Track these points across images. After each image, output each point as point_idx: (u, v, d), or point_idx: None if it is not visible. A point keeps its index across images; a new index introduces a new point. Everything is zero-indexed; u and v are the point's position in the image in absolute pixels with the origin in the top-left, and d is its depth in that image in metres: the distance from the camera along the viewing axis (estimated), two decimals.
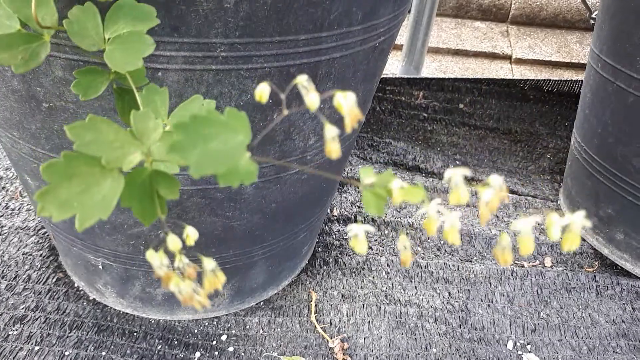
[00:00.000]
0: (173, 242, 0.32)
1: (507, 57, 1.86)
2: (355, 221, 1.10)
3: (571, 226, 0.28)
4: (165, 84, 0.51)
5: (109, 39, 0.39)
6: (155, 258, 0.31)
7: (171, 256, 0.32)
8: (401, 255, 0.32)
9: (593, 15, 1.15)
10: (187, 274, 0.32)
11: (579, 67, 1.87)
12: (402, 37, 1.61)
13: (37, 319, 0.83)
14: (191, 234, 0.33)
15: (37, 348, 0.78)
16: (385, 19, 0.59)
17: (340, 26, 0.53)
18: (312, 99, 0.30)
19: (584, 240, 1.10)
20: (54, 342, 0.80)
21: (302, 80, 0.30)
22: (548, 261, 1.05)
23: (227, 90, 0.53)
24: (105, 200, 0.29)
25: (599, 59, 0.99)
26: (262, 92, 0.32)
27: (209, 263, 0.33)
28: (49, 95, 0.54)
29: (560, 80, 1.48)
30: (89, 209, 0.29)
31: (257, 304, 0.89)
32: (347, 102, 0.30)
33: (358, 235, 0.30)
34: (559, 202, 1.21)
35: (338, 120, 0.68)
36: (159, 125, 0.33)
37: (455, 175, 0.28)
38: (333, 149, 0.30)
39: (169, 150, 0.28)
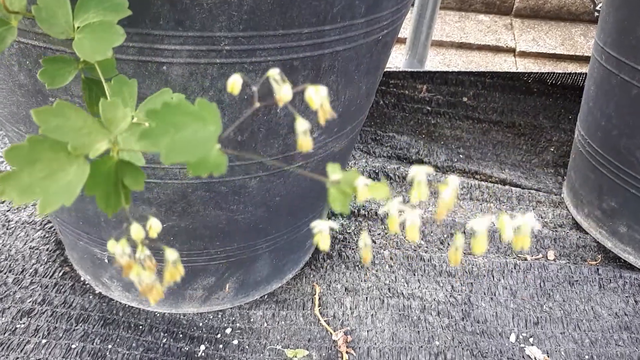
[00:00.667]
0: (136, 231, 0.32)
1: (510, 50, 1.86)
2: (359, 215, 1.11)
3: (522, 228, 0.29)
4: (170, 78, 0.51)
5: (78, 28, 0.38)
6: (117, 247, 0.31)
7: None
8: (362, 252, 0.32)
9: (597, 8, 1.15)
10: (147, 265, 0.32)
11: (583, 59, 1.86)
12: (406, 30, 1.61)
13: (44, 312, 0.83)
14: (154, 226, 0.33)
15: (44, 341, 0.79)
16: (389, 12, 0.59)
17: (344, 19, 0.53)
18: (284, 92, 0.30)
19: (587, 233, 1.10)
20: (61, 335, 0.80)
21: (274, 74, 0.31)
22: (551, 254, 1.05)
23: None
24: (69, 186, 0.29)
25: (603, 51, 0.99)
26: (234, 83, 0.32)
27: (171, 254, 0.33)
28: (56, 90, 0.54)
29: (564, 73, 1.48)
30: (52, 195, 0.29)
31: (261, 297, 0.90)
32: (317, 96, 0.30)
33: (323, 232, 0.30)
34: (562, 196, 1.21)
35: (341, 115, 0.68)
36: (127, 115, 0.33)
37: (419, 173, 0.29)
38: (304, 143, 0.31)
39: (140, 137, 0.28)
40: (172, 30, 0.47)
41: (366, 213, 1.10)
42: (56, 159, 0.29)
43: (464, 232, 1.07)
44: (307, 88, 0.30)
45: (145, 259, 0.32)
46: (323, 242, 0.30)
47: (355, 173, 0.30)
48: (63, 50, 0.50)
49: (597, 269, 1.01)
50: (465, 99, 1.45)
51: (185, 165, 0.55)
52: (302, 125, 0.30)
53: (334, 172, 0.30)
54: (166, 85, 0.52)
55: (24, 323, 0.81)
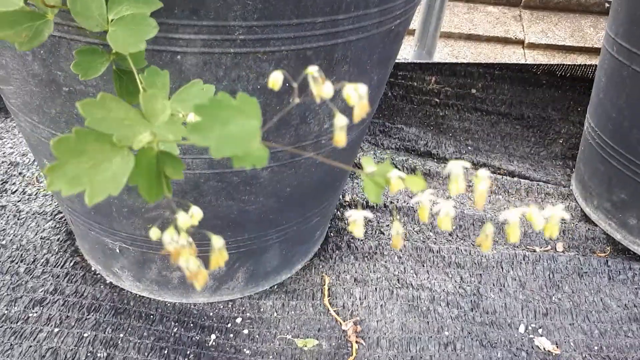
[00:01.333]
0: (183, 220, 0.33)
1: (519, 42, 1.85)
2: (368, 207, 1.11)
3: (551, 218, 0.31)
4: (184, 67, 0.51)
5: (112, 20, 0.39)
6: (166, 234, 0.32)
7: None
8: (392, 239, 0.33)
9: None
10: (190, 252, 0.33)
11: (593, 51, 1.85)
12: (415, 21, 1.60)
13: (55, 301, 0.84)
14: (195, 214, 0.34)
15: (56, 330, 0.80)
16: (401, 1, 0.59)
17: (357, 9, 0.53)
18: (326, 89, 0.31)
19: (596, 225, 1.10)
20: (73, 324, 0.81)
21: (313, 71, 0.31)
22: (560, 246, 1.05)
23: (245, 73, 0.53)
24: (115, 176, 0.30)
25: (615, 42, 0.98)
26: (275, 80, 0.33)
27: (217, 241, 0.34)
28: (69, 79, 0.54)
29: (574, 65, 1.47)
30: (98, 185, 0.29)
31: (271, 287, 0.90)
32: (356, 93, 0.31)
33: (357, 221, 0.32)
34: (571, 188, 1.21)
35: (349, 108, 0.68)
36: (166, 107, 0.33)
37: (455, 167, 0.30)
38: (340, 139, 0.31)
39: (190, 130, 0.29)
40: (186, 19, 0.47)
41: (374, 204, 1.10)
42: (101, 150, 0.30)
43: (473, 224, 1.07)
44: (344, 86, 0.31)
45: (188, 246, 0.33)
46: (357, 230, 0.32)
47: (388, 165, 0.31)
48: (77, 40, 0.50)
49: (607, 261, 1.01)
50: (473, 91, 1.44)
51: (197, 154, 0.56)
52: (340, 120, 0.31)
53: (368, 164, 0.31)
54: (180, 74, 0.52)
55: (36, 312, 0.82)
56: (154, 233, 0.34)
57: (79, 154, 0.29)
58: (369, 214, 0.32)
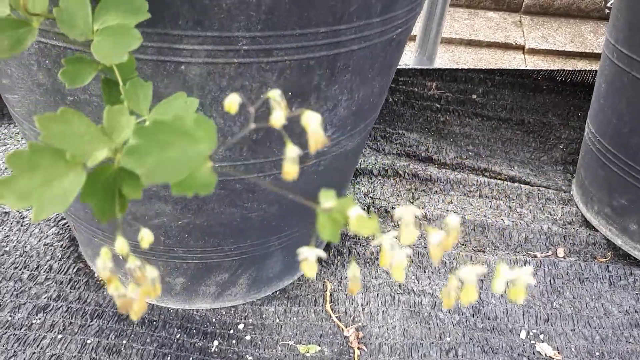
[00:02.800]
0: (121, 246, 0.31)
1: (520, 48, 1.85)
2: (368, 212, 1.11)
3: (516, 281, 0.29)
4: (187, 77, 0.52)
5: (97, 30, 0.39)
6: (99, 260, 0.31)
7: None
8: (350, 284, 0.30)
9: (609, 5, 1.15)
10: (137, 276, 0.32)
11: (593, 57, 1.86)
12: (416, 27, 1.61)
13: (59, 308, 0.85)
14: (145, 237, 0.33)
15: (60, 336, 0.80)
16: (403, 10, 0.60)
17: (360, 18, 0.54)
18: (277, 116, 0.30)
19: (596, 230, 1.10)
20: (76, 330, 0.81)
21: (275, 96, 0.30)
22: (561, 251, 1.05)
23: (248, 83, 0.53)
24: (65, 194, 0.29)
25: (615, 48, 0.99)
26: (231, 103, 0.32)
27: (150, 271, 0.32)
28: (74, 89, 0.55)
29: (574, 71, 1.47)
30: (47, 202, 0.29)
31: (273, 293, 0.91)
32: (312, 123, 0.29)
33: (308, 259, 0.29)
34: (571, 193, 1.22)
35: (348, 116, 0.69)
36: (131, 122, 0.32)
37: (406, 214, 0.28)
38: (290, 171, 0.29)
39: (126, 153, 0.28)
40: (190, 30, 0.48)
41: (376, 210, 1.11)
42: (55, 166, 0.29)
43: (474, 229, 1.08)
44: (303, 113, 0.30)
45: (136, 270, 0.32)
46: (309, 270, 0.29)
47: (349, 201, 0.29)
48: (83, 50, 0.51)
49: (607, 266, 1.01)
50: (474, 97, 1.45)
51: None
52: (292, 151, 0.29)
53: (327, 199, 0.28)
54: (184, 84, 0.52)
55: (39, 318, 0.83)
56: (103, 253, 0.32)
57: (32, 168, 0.29)
58: (322, 253, 0.29)
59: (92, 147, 0.31)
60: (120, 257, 0.78)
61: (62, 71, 0.40)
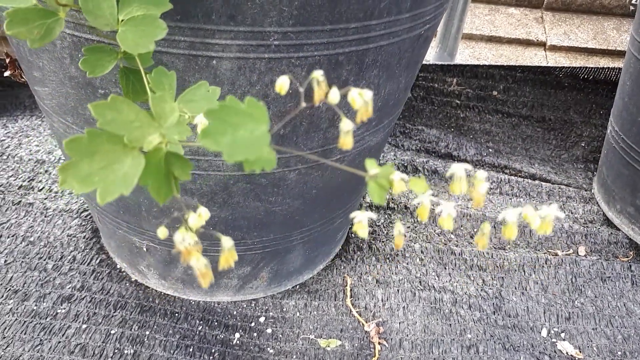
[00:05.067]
0: (193, 220, 0.33)
1: (541, 44, 1.84)
2: (388, 208, 1.11)
3: (546, 217, 0.32)
4: (219, 72, 0.52)
5: (122, 20, 0.39)
6: (178, 233, 0.32)
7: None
8: (395, 239, 0.34)
9: (634, 1, 1.13)
10: (197, 250, 0.33)
11: (616, 54, 1.83)
12: None
13: (83, 298, 0.86)
14: (203, 214, 0.35)
15: (84, 326, 0.81)
16: (432, 6, 0.59)
17: (390, 14, 0.54)
18: (332, 95, 0.32)
19: (618, 229, 1.09)
20: (100, 320, 0.83)
21: (317, 76, 0.32)
22: (582, 250, 1.04)
23: (277, 78, 0.54)
24: (126, 177, 0.30)
25: None
26: (282, 85, 0.34)
27: (226, 241, 0.34)
28: (106, 82, 0.56)
29: (596, 68, 1.46)
30: (110, 184, 0.30)
31: (293, 287, 0.91)
32: (360, 99, 0.32)
33: (362, 221, 0.32)
34: (592, 191, 1.20)
35: (373, 112, 0.69)
36: (175, 109, 0.34)
37: (459, 169, 0.31)
38: (346, 142, 0.32)
39: (202, 135, 0.29)
40: (223, 25, 0.48)
41: (395, 206, 1.11)
42: (113, 150, 0.30)
43: (494, 227, 1.07)
44: (350, 90, 0.32)
45: (195, 246, 0.33)
46: (362, 230, 0.32)
47: (390, 167, 0.32)
48: (116, 44, 0.51)
49: (630, 266, 1.00)
50: (495, 93, 1.44)
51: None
52: (346, 125, 0.32)
53: (372, 167, 0.31)
54: (215, 79, 0.53)
55: (64, 308, 0.84)
56: (161, 232, 0.34)
57: (92, 154, 0.30)
58: (372, 215, 0.33)
59: (144, 132, 0.32)
60: (144, 249, 0.79)
61: (83, 60, 0.41)
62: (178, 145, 0.36)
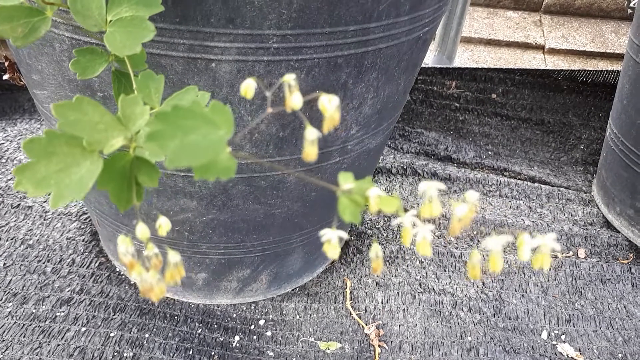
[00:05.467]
0: (142, 231, 0.32)
1: (540, 47, 1.84)
2: None
3: (541, 247, 0.29)
4: (218, 75, 0.52)
5: (110, 21, 0.39)
6: (121, 245, 0.31)
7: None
8: (372, 263, 0.31)
9: (632, 5, 1.14)
10: (153, 263, 0.32)
11: (614, 57, 1.84)
12: None
13: (82, 301, 0.86)
14: (163, 224, 0.33)
15: (83, 329, 0.81)
16: (431, 9, 0.60)
17: (389, 17, 0.54)
18: (295, 100, 0.30)
19: (618, 232, 1.09)
20: (99, 323, 0.82)
21: (290, 80, 0.30)
22: (582, 252, 1.04)
23: (276, 80, 0.54)
24: (82, 181, 0.29)
25: (639, 48, 0.98)
26: (248, 87, 0.32)
27: (173, 256, 0.33)
28: (104, 84, 0.56)
29: (595, 71, 1.46)
30: (64, 189, 0.29)
31: (293, 290, 0.91)
32: (330, 105, 0.30)
33: (331, 241, 0.29)
34: (592, 194, 1.21)
35: (372, 114, 0.69)
36: (146, 112, 0.32)
37: (430, 188, 0.28)
38: (310, 152, 0.30)
39: (148, 138, 0.28)
40: (222, 28, 0.48)
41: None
42: (71, 153, 0.29)
43: (494, 229, 1.07)
44: (320, 96, 0.30)
45: (152, 257, 0.32)
46: (332, 251, 0.29)
47: (368, 182, 0.29)
48: (98, 43, 0.51)
49: (630, 268, 1.00)
50: (494, 96, 1.44)
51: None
52: (311, 134, 0.30)
53: (346, 181, 0.29)
54: (214, 81, 0.53)
55: (63, 311, 0.84)
56: (120, 241, 0.32)
57: (49, 155, 0.29)
58: (344, 234, 0.30)
59: (107, 135, 0.31)
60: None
61: (73, 62, 0.40)
62: (153, 151, 0.35)
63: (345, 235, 0.30)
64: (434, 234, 1.05)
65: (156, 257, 0.32)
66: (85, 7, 0.39)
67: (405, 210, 1.05)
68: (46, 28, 0.38)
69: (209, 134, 0.28)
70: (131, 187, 0.32)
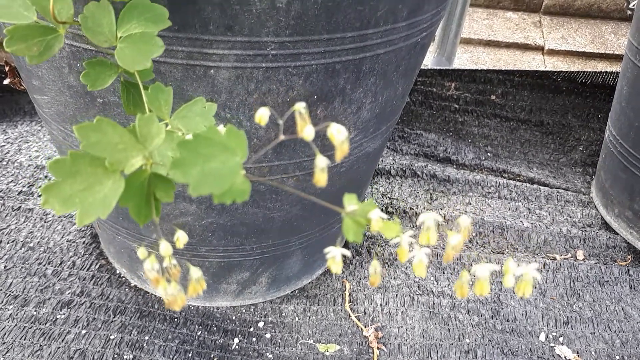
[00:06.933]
0: (165, 248, 0.33)
1: (539, 48, 1.84)
2: (387, 212, 1.12)
3: (524, 276, 0.30)
4: (216, 81, 0.53)
5: (120, 37, 0.40)
6: (147, 262, 0.32)
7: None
8: (370, 277, 0.33)
9: (631, 6, 1.14)
10: (172, 274, 0.33)
11: (614, 58, 1.84)
12: None
13: (82, 303, 0.86)
14: (181, 237, 0.35)
15: (84, 332, 0.82)
16: (429, 14, 0.60)
17: (386, 23, 0.54)
18: (307, 131, 0.31)
19: (617, 233, 1.09)
20: (100, 326, 0.83)
21: (300, 108, 0.31)
22: (580, 254, 1.05)
23: (275, 87, 0.54)
24: (105, 199, 0.30)
25: (638, 51, 0.98)
26: (262, 116, 0.33)
27: (195, 272, 0.34)
28: (104, 91, 0.56)
29: (594, 72, 1.46)
30: (89, 207, 0.30)
31: (292, 292, 0.92)
32: (339, 136, 0.31)
33: (335, 257, 0.31)
34: (591, 195, 1.21)
35: (371, 118, 0.69)
36: (161, 130, 0.34)
37: (429, 218, 0.30)
38: (320, 179, 0.31)
39: (171, 167, 0.29)
40: (221, 35, 0.49)
41: (394, 210, 1.11)
42: (94, 173, 0.31)
43: (493, 231, 1.08)
44: (329, 126, 0.31)
45: (171, 268, 0.33)
46: (335, 266, 0.31)
47: (371, 204, 0.31)
48: (106, 54, 0.52)
49: (628, 270, 1.01)
50: (493, 97, 1.45)
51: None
52: (321, 161, 0.31)
53: (350, 203, 0.31)
54: (212, 88, 0.53)
55: (64, 314, 0.84)
56: (141, 253, 0.34)
57: (73, 175, 0.30)
58: (347, 252, 0.32)
59: (127, 155, 0.32)
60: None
61: (84, 74, 0.41)
62: (163, 167, 0.36)
63: (348, 253, 0.32)
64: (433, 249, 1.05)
65: (175, 268, 0.34)
66: (96, 23, 0.40)
67: (405, 211, 1.04)
68: (60, 45, 0.39)
69: (227, 160, 0.29)
70: (150, 203, 0.33)
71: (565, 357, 0.84)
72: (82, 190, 0.30)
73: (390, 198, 1.15)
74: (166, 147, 0.35)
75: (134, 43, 0.40)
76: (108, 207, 0.30)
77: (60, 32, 0.40)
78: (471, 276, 0.32)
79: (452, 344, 0.84)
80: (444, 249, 1.01)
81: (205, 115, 0.41)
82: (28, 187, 1.09)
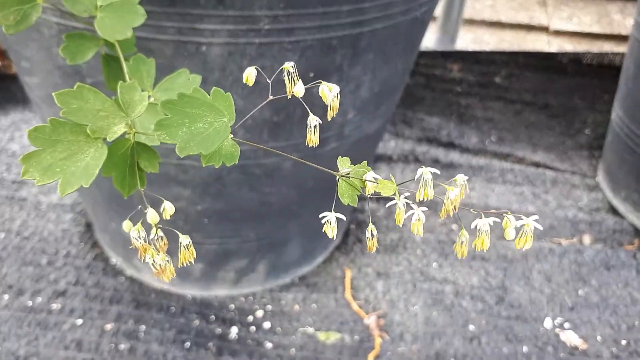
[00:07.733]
0: (152, 216, 0.33)
1: (544, 29, 1.80)
2: (387, 197, 1.09)
3: (525, 227, 0.31)
4: (208, 58, 0.50)
5: (100, 6, 0.39)
6: (134, 230, 0.32)
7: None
8: (367, 242, 0.33)
9: None
10: (159, 246, 0.33)
11: (621, 38, 1.80)
12: (437, 8, 1.58)
13: (78, 293, 0.84)
14: (168, 208, 0.34)
15: (79, 321, 0.80)
16: None
17: None
18: (297, 88, 0.31)
19: (623, 217, 1.07)
20: (95, 315, 0.81)
21: (289, 67, 0.31)
22: (586, 239, 1.02)
23: (270, 63, 0.52)
24: (87, 168, 0.29)
25: None
26: (249, 75, 0.33)
27: (184, 239, 0.34)
28: (93, 70, 0.54)
29: (600, 53, 1.43)
30: (71, 176, 0.29)
31: (291, 280, 0.90)
32: (330, 93, 0.31)
33: (330, 221, 0.31)
34: (597, 179, 1.18)
35: (370, 97, 0.66)
36: (144, 98, 0.33)
37: (426, 173, 0.30)
38: (312, 139, 0.32)
39: (157, 127, 0.28)
40: (212, 9, 0.46)
41: (392, 197, 1.09)
42: (76, 141, 0.30)
43: (498, 216, 1.05)
44: (320, 84, 0.31)
45: (159, 240, 0.33)
46: (330, 230, 0.31)
47: (364, 167, 0.31)
48: (87, 29, 0.49)
49: (635, 254, 0.98)
50: (497, 79, 1.41)
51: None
52: (313, 120, 0.31)
53: (344, 165, 0.31)
54: (205, 65, 0.51)
55: (59, 303, 0.83)
56: (126, 226, 0.34)
57: (54, 143, 0.29)
58: (341, 215, 0.32)
59: (109, 122, 0.31)
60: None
61: (63, 47, 0.40)
62: (152, 136, 0.35)
63: (343, 217, 0.32)
64: (437, 222, 1.03)
65: (162, 240, 0.34)
66: None
67: (406, 198, 1.03)
68: (37, 15, 0.38)
69: (215, 121, 0.29)
70: (134, 173, 0.33)
71: (571, 343, 0.82)
72: (63, 159, 0.29)
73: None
74: (149, 120, 0.34)
75: (115, 11, 0.39)
76: (90, 176, 0.29)
77: (38, 1, 0.39)
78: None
79: (455, 331, 0.82)
80: (447, 234, 0.99)
81: (189, 88, 0.40)
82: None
